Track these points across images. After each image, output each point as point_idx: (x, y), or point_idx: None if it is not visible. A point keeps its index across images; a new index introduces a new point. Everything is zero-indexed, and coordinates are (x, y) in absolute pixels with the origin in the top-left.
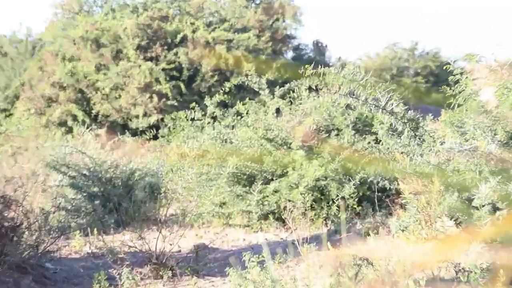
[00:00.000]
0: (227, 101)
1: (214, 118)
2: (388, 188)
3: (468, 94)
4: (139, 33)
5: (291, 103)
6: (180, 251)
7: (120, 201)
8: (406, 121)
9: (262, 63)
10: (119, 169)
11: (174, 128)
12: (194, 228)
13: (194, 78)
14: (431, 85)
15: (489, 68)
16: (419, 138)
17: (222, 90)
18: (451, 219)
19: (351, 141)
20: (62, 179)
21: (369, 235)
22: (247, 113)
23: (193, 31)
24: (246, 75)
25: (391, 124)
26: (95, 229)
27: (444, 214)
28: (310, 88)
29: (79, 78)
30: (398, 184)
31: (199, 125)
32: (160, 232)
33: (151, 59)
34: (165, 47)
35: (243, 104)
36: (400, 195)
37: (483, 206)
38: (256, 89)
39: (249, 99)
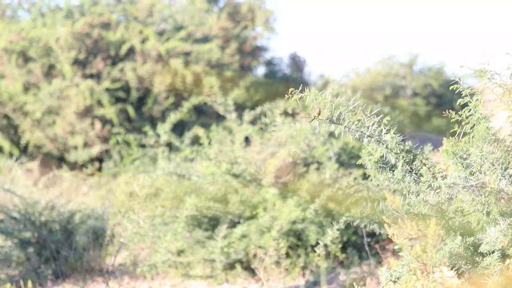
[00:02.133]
0: (185, 123)
1: (170, 146)
2: (377, 233)
3: (476, 119)
4: (76, 44)
5: (263, 130)
6: None
7: (58, 249)
8: (400, 152)
9: (228, 81)
10: (56, 211)
11: (122, 161)
12: (147, 280)
13: (144, 100)
14: (432, 108)
15: (504, 87)
16: (416, 173)
17: (178, 111)
18: (452, 269)
19: (334, 176)
20: None
21: (354, 287)
22: (209, 143)
23: (142, 42)
24: (209, 95)
25: (382, 156)
26: (30, 282)
27: (443, 263)
28: (285, 113)
29: (3, 100)
30: (389, 228)
31: (152, 155)
32: (107, 284)
33: (91, 76)
34: (109, 62)
35: (209, 132)
36: (392, 241)
37: (491, 252)
38: (221, 113)
39: (211, 126)
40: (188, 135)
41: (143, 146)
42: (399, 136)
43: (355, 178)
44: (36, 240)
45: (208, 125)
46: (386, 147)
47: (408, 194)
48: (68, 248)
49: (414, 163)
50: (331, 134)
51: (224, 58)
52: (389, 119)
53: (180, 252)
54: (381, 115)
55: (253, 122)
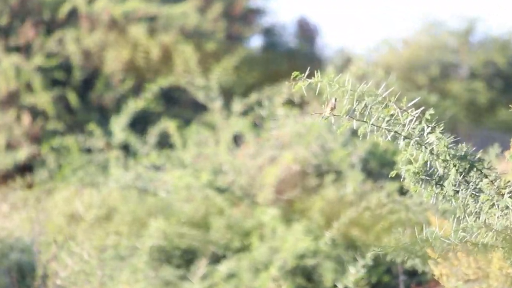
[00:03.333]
0: (149, 116)
1: (128, 149)
2: (419, 272)
3: None
4: None
5: (259, 126)
6: None
7: None
8: (450, 158)
9: (210, 57)
10: None
11: (60, 170)
12: None
13: (91, 83)
14: (496, 94)
15: None
16: (474, 188)
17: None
18: None
19: (359, 191)
20: None
21: None
22: (184, 144)
23: (89, 1)
24: (183, 76)
25: (425, 164)
26: None
27: None
28: (290, 102)
29: None
30: (436, 264)
31: (102, 162)
32: None
33: (17, 49)
34: (42, 29)
35: (183, 128)
36: (440, 283)
37: None
38: (201, 101)
39: (187, 119)
40: (153, 133)
41: (88, 150)
42: (449, 137)
43: (389, 194)
44: None
45: (183, 119)
46: (431, 152)
47: (463, 217)
48: None
49: (471, 173)
50: (355, 133)
51: (205, 24)
52: (434, 112)
53: None
54: (423, 108)
55: (245, 114)
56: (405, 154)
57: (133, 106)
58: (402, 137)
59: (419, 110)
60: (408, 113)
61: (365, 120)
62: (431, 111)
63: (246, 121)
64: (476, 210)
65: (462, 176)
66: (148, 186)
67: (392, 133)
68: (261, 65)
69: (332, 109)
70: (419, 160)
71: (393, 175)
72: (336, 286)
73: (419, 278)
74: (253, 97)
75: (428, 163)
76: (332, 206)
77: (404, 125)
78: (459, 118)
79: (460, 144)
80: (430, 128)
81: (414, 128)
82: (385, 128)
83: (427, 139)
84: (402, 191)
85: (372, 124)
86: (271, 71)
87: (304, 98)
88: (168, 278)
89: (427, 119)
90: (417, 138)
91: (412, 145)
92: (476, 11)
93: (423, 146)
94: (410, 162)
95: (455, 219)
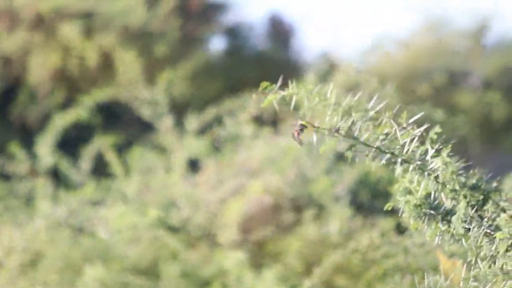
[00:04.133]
0: (84, 135)
1: (58, 176)
2: None
3: None
4: None
5: (220, 148)
6: None
7: None
8: (460, 188)
9: (160, 62)
10: None
11: None
12: None
13: (12, 96)
14: None
15: None
16: (489, 225)
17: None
18: None
19: (346, 230)
20: None
21: None
22: (126, 172)
23: None
24: (126, 87)
25: (428, 194)
26: None
27: None
28: (259, 119)
29: None
30: None
31: (25, 193)
32: None
33: None
34: None
35: (126, 152)
36: None
37: None
38: (147, 118)
39: (131, 140)
40: (86, 155)
41: (8, 177)
42: (458, 161)
43: (383, 234)
44: None
45: (125, 140)
46: (436, 180)
47: (476, 261)
48: None
49: (485, 207)
50: (341, 157)
51: (154, 23)
52: (440, 130)
53: None
54: (427, 125)
55: (203, 133)
56: (404, 182)
57: (62, 121)
58: (400, 160)
59: (422, 128)
60: (408, 131)
61: (355, 136)
62: (438, 128)
63: (204, 143)
64: (491, 253)
65: (474, 210)
66: (84, 224)
67: (387, 155)
68: (223, 72)
69: (299, 133)
70: (421, 189)
71: (389, 208)
72: None
73: None
74: (212, 112)
75: (433, 193)
76: (312, 248)
77: (403, 146)
78: (471, 138)
79: (472, 171)
80: (435, 150)
81: (414, 151)
82: (379, 149)
83: (431, 163)
84: (400, 230)
85: (362, 142)
86: (236, 80)
87: (278, 114)
88: None
89: (431, 139)
90: (419, 162)
91: (413, 170)
92: (491, 7)
93: (426, 173)
94: (410, 192)
95: (465, 264)
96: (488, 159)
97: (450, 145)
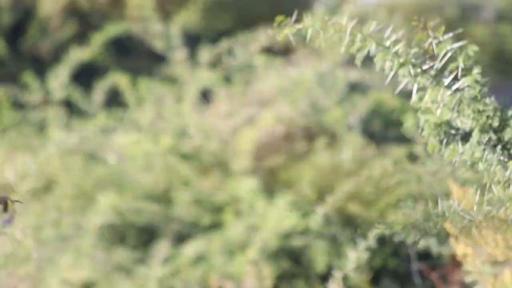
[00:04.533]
0: (96, 69)
1: (71, 107)
2: (435, 254)
3: None
4: None
5: (232, 79)
6: None
7: None
8: (481, 110)
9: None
10: None
11: None
12: None
13: (23, 28)
14: None
15: None
16: (506, 149)
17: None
18: None
19: (360, 158)
20: None
21: None
22: (139, 102)
23: None
24: (138, 20)
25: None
26: None
27: None
28: (270, 51)
29: None
30: (457, 243)
31: (38, 122)
32: None
33: None
34: None
35: (138, 84)
36: (461, 265)
37: None
38: (160, 51)
39: (143, 72)
40: (100, 88)
41: (21, 105)
42: (485, 83)
43: (396, 162)
44: None
45: (137, 72)
46: (461, 100)
47: (491, 186)
48: None
49: (503, 133)
50: (354, 88)
51: None
52: (476, 48)
53: (88, 286)
54: (464, 41)
55: (215, 65)
56: (429, 100)
57: (76, 57)
58: (432, 76)
59: (458, 44)
60: (442, 44)
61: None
62: (474, 46)
63: (216, 74)
64: (506, 178)
65: (493, 133)
66: (97, 151)
67: (418, 70)
68: (235, 6)
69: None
70: (443, 104)
71: (405, 132)
72: (331, 272)
73: (435, 262)
74: (224, 44)
75: (454, 115)
76: (325, 176)
77: (431, 59)
78: (484, 69)
79: (488, 98)
80: (463, 68)
81: (442, 69)
82: (412, 63)
83: (460, 82)
84: (412, 158)
85: (394, 53)
86: (248, 14)
87: (288, 46)
88: (121, 262)
89: (467, 55)
90: (448, 80)
91: (439, 86)
92: None
93: (454, 91)
94: (430, 112)
95: (479, 189)
96: (502, 88)
97: (479, 65)
